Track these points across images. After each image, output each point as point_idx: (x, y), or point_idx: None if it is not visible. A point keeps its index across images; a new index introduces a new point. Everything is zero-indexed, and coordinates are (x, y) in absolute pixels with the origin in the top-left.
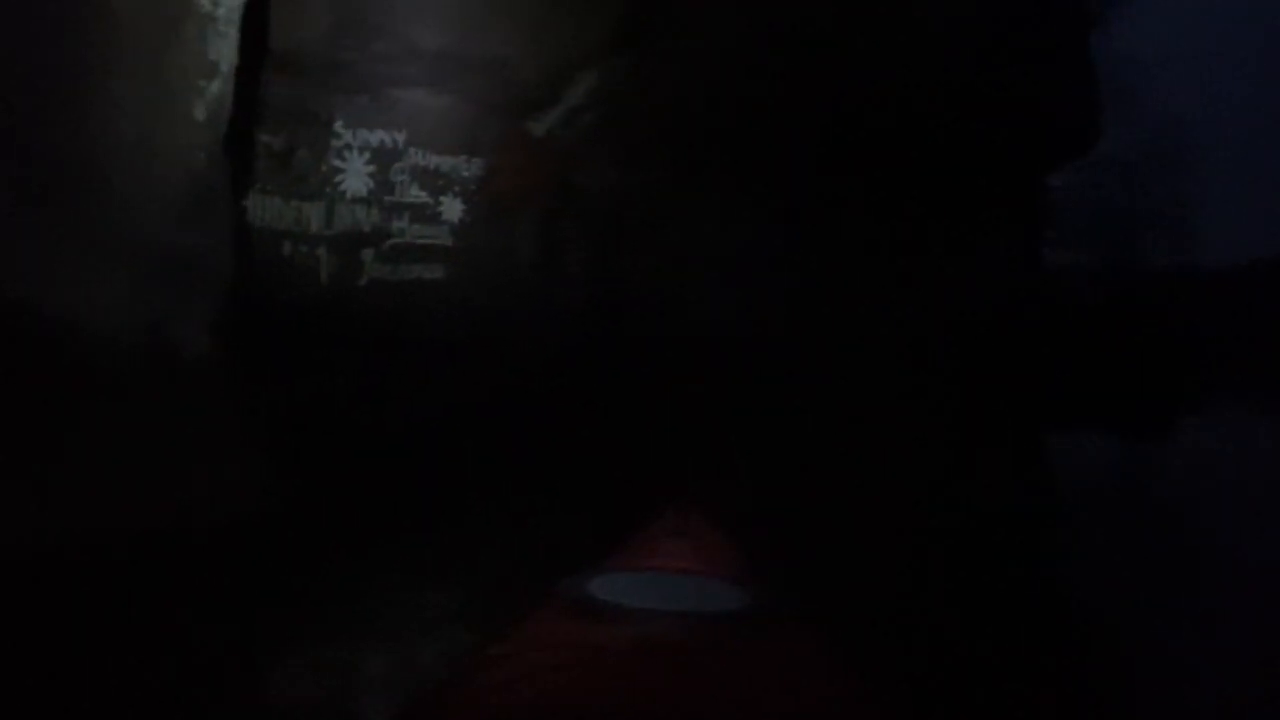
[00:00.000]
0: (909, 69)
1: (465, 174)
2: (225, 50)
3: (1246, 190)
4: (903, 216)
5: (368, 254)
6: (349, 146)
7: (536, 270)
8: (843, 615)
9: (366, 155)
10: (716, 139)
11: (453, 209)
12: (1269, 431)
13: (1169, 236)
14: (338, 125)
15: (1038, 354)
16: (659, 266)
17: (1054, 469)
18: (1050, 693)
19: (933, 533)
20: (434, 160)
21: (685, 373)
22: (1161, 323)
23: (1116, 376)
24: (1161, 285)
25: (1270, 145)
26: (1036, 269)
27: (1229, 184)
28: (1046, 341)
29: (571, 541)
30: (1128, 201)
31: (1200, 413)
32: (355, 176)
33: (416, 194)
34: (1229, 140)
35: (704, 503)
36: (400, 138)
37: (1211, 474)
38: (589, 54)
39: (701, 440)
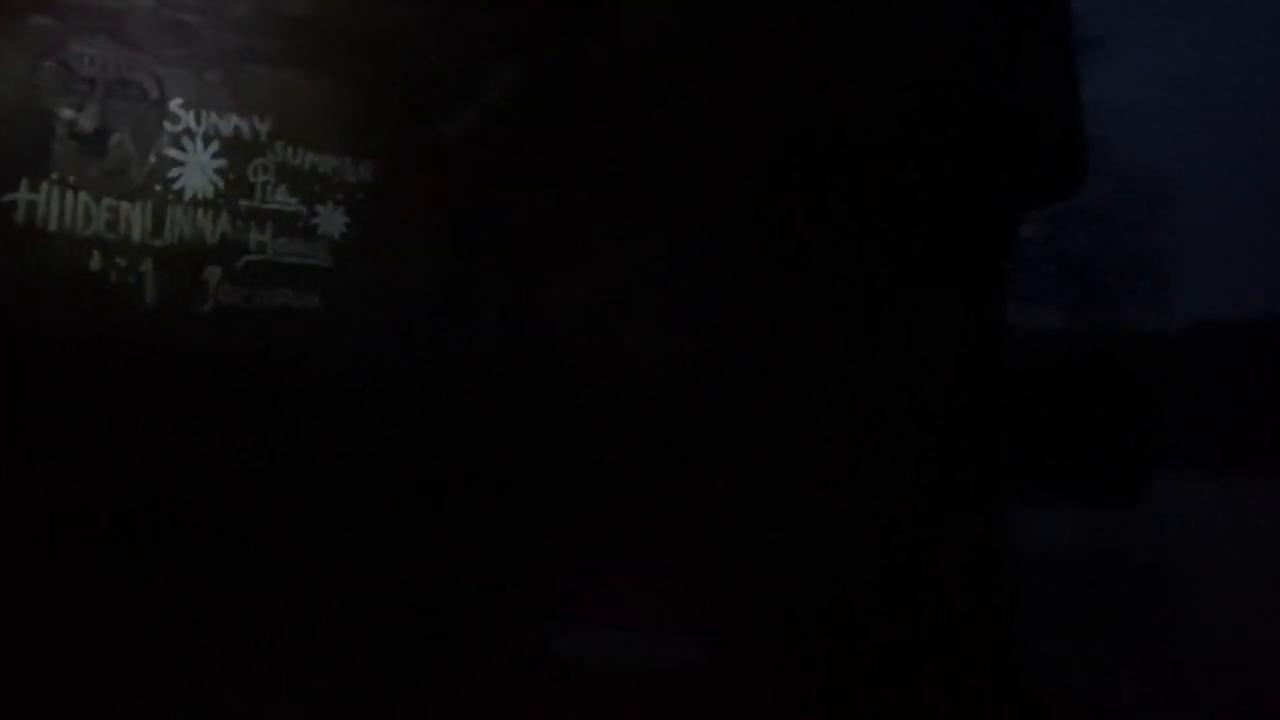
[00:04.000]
0: (881, 86)
1: (351, 179)
2: None
3: (1220, 246)
4: (862, 258)
5: (213, 273)
6: (189, 133)
7: (440, 303)
8: (794, 672)
9: (215, 146)
10: (662, 153)
11: (333, 221)
12: (1244, 495)
13: (1139, 294)
14: (174, 105)
15: (1000, 416)
16: (591, 303)
17: (1011, 536)
18: None
19: (884, 596)
20: (309, 158)
21: (619, 429)
22: (1131, 384)
23: (1083, 441)
24: (1131, 345)
25: (1245, 199)
26: (1001, 325)
27: (1202, 239)
28: (1009, 403)
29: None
30: (1096, 257)
31: (1172, 477)
32: (198, 172)
33: (284, 199)
34: (1202, 193)
35: (648, 561)
36: (263, 127)
37: (1184, 538)
38: (510, 41)
39: (640, 500)
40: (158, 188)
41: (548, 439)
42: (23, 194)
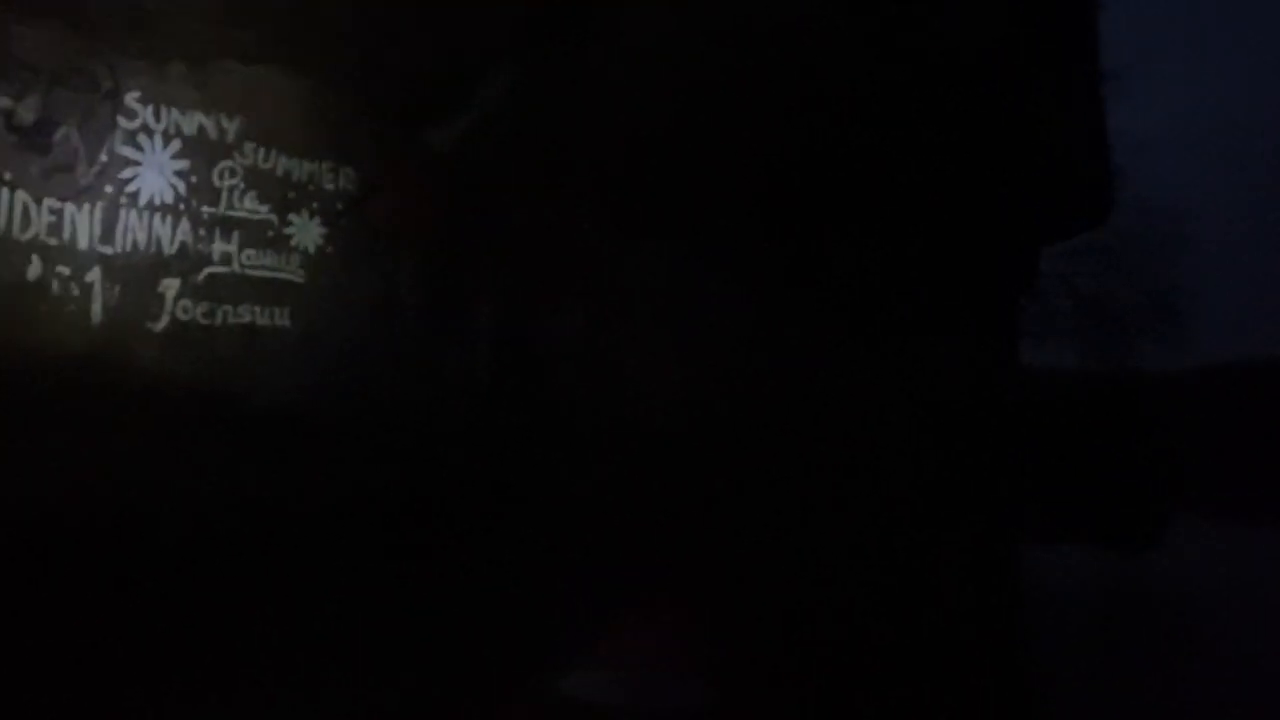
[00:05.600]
0: (901, 104)
1: (329, 186)
2: None
3: (1240, 282)
4: (875, 286)
5: (170, 286)
6: (147, 130)
7: (426, 324)
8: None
9: (176, 145)
10: (668, 167)
11: (308, 233)
12: (1263, 539)
13: (1156, 331)
14: (130, 98)
15: (1014, 457)
16: (588, 326)
17: (1022, 580)
18: None
19: (890, 637)
20: (282, 163)
21: (617, 460)
22: (1148, 424)
23: (1100, 482)
24: (1148, 384)
25: (1266, 233)
26: (1014, 364)
27: (1221, 275)
28: (1024, 444)
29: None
30: (1112, 293)
31: (1189, 520)
32: (156, 173)
33: (253, 207)
34: (1222, 228)
35: (650, 602)
36: (231, 126)
37: (1202, 583)
38: (505, 42)
39: (639, 537)
40: (109, 189)
41: (540, 471)
42: None
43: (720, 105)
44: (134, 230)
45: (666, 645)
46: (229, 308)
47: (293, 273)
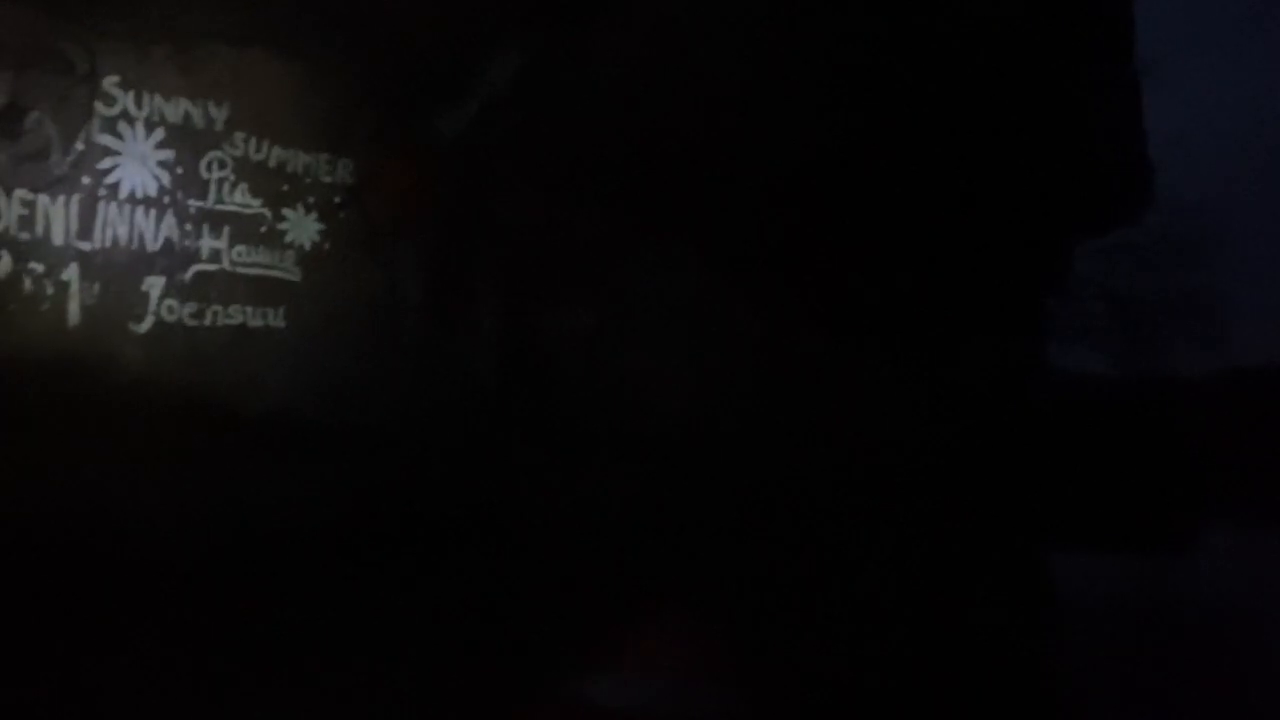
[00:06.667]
0: (928, 97)
1: (327, 179)
2: None
3: (1276, 279)
4: (896, 288)
5: (154, 284)
6: (128, 117)
7: (429, 323)
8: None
9: (159, 134)
10: (678, 154)
11: (303, 228)
12: None
13: (1189, 331)
14: (109, 83)
15: (1043, 461)
16: (597, 325)
17: (1054, 587)
18: None
19: (918, 644)
20: (276, 154)
21: (627, 465)
22: (1182, 426)
23: (1132, 485)
24: (1181, 385)
25: None
26: (1042, 366)
27: (1256, 273)
28: (1054, 447)
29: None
30: (1143, 293)
31: (1224, 524)
32: (137, 164)
33: (244, 200)
34: (1256, 224)
35: (671, 607)
36: (220, 114)
37: (1235, 588)
38: (510, 25)
39: (649, 546)
40: (86, 180)
41: (548, 475)
42: None
43: (736, 93)
44: (114, 224)
45: (690, 650)
46: (218, 308)
47: (287, 270)
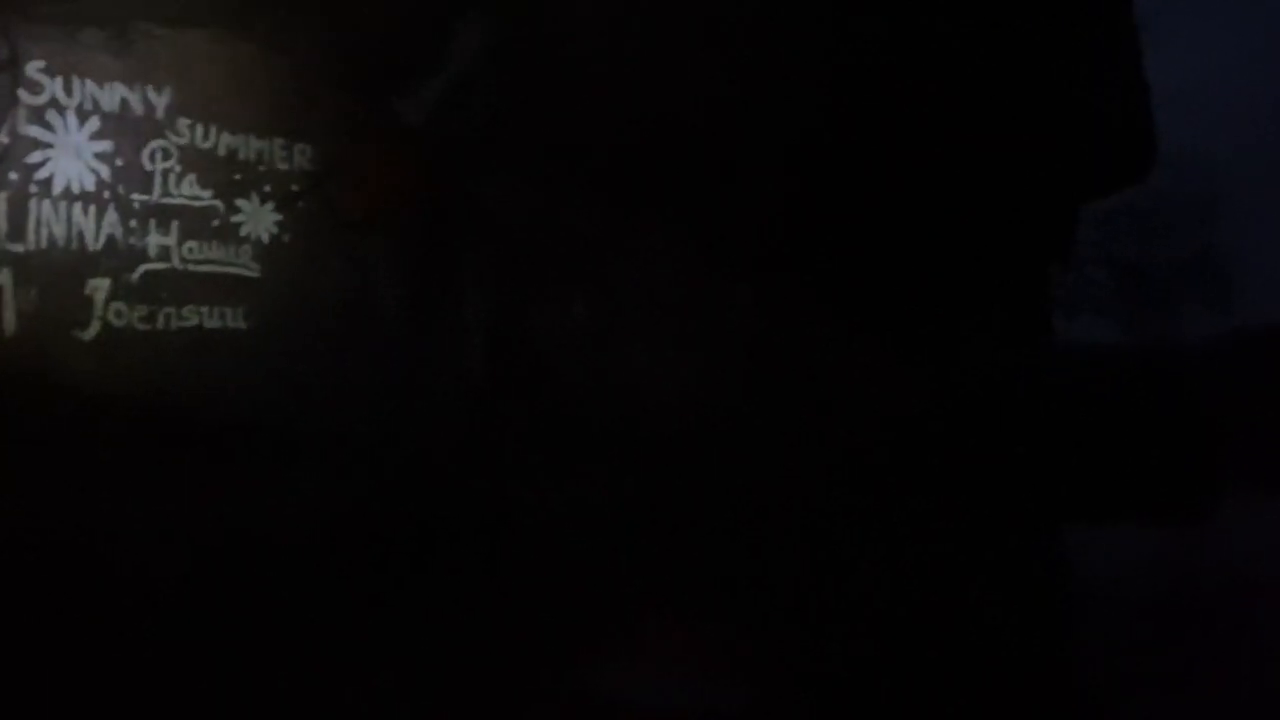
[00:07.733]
0: (921, 60)
1: (283, 166)
2: None
3: None
4: (896, 264)
5: (99, 287)
6: (57, 106)
7: (407, 320)
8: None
9: (94, 123)
10: (670, 137)
11: (260, 220)
12: None
13: (1197, 296)
14: (33, 69)
15: (1050, 433)
16: (586, 319)
17: (1066, 566)
18: None
19: (930, 630)
20: (225, 140)
21: (620, 466)
22: (1192, 395)
23: (1143, 456)
24: (1191, 352)
25: None
26: (1049, 335)
27: (1265, 234)
28: (1060, 419)
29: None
30: (1148, 258)
31: (1237, 495)
32: (72, 157)
33: (192, 192)
34: (1262, 182)
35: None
36: (160, 100)
37: (1251, 562)
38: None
39: (645, 543)
40: (14, 176)
41: (541, 478)
42: None
43: (728, 66)
44: (49, 223)
45: (688, 648)
46: (171, 309)
47: (244, 266)
